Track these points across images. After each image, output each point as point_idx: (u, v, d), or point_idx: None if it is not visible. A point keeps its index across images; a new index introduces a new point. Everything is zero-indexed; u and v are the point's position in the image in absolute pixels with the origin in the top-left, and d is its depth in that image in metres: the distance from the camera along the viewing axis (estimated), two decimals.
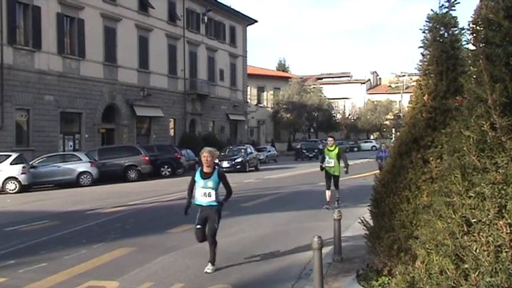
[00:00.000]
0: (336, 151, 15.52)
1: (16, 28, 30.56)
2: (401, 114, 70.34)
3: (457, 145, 4.27)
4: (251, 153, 38.54)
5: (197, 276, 8.17)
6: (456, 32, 6.21)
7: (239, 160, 35.76)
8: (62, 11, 33.36)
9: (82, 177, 27.69)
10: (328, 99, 74.62)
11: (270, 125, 69.90)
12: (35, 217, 15.73)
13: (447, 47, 6.17)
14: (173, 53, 45.13)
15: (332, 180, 15.69)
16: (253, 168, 37.10)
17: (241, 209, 16.21)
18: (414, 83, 7.00)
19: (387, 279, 6.15)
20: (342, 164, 15.91)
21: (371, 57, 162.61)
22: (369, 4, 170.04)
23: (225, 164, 34.58)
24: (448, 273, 4.05)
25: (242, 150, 37.87)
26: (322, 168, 16.01)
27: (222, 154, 37.06)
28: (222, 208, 8.57)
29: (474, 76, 4.28)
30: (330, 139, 16.05)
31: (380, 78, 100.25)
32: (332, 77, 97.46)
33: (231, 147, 40.32)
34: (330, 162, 15.46)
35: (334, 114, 77.31)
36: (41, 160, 27.72)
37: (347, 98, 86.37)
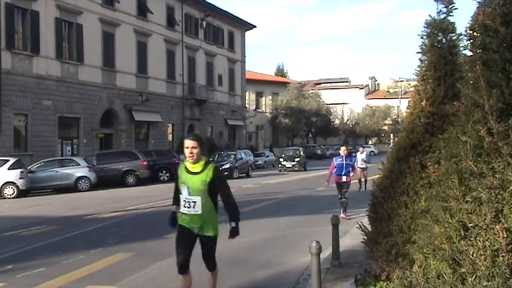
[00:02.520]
0: (208, 174, 6.13)
1: (14, 33, 30.57)
2: (399, 119, 70.44)
3: (454, 150, 4.28)
4: (241, 158, 37.53)
5: (195, 281, 8.16)
6: (454, 37, 6.24)
7: (226, 166, 34.71)
8: (61, 16, 33.39)
9: (80, 182, 27.68)
10: (327, 104, 74.74)
11: (269, 130, 69.90)
12: (33, 222, 15.70)
13: (445, 52, 6.19)
14: (172, 58, 45.18)
15: (203, 249, 6.69)
16: (243, 175, 36.36)
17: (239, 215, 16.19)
18: (412, 89, 7.02)
19: (385, 284, 6.16)
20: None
21: (369, 63, 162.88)
22: (367, 10, 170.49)
23: None
24: (445, 277, 4.07)
25: (232, 156, 37.15)
26: (175, 222, 6.71)
27: (211, 159, 36.75)
28: None
29: (471, 82, 4.30)
30: (190, 142, 6.14)
31: (378, 84, 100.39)
32: (331, 82, 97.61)
33: (221, 152, 39.52)
34: (191, 202, 6.26)
35: (333, 119, 77.37)
36: (39, 165, 27.70)
37: (345, 103, 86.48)
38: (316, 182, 28.03)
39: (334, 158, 15.11)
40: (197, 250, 8.63)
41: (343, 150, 15.14)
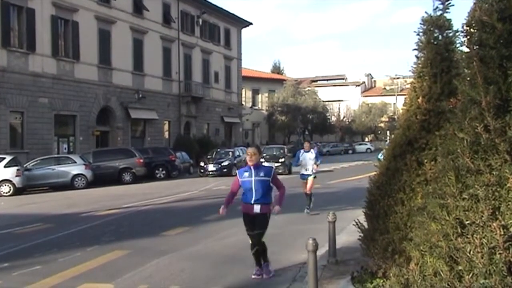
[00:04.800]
0: None
1: (10, 30, 30.46)
2: (395, 117, 70.46)
3: (451, 147, 4.27)
4: (239, 156, 37.20)
5: (192, 279, 8.16)
6: (450, 34, 6.23)
7: (225, 163, 34.68)
8: (57, 14, 33.29)
9: (77, 179, 27.64)
10: (323, 101, 74.77)
11: (265, 127, 69.92)
12: (29, 220, 15.68)
13: (442, 49, 6.18)
14: (168, 56, 45.09)
15: None
16: None
17: (236, 212, 16.16)
18: (409, 86, 7.01)
19: (381, 281, 6.16)
20: None
21: (365, 60, 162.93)
22: (362, 7, 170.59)
23: (211, 167, 34.16)
24: (442, 274, 4.06)
25: (230, 153, 37.03)
26: None
27: (208, 157, 36.72)
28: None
29: (468, 78, 4.29)
30: None
31: (374, 81, 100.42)
32: (327, 80, 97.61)
33: (218, 149, 39.22)
34: None
35: (329, 117, 77.47)
36: (35, 162, 27.64)
37: (341, 101, 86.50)
38: None
39: (238, 172, 8.31)
40: (194, 248, 8.67)
41: (251, 154, 7.94)
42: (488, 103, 3.98)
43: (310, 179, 15.22)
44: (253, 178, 7.83)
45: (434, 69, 6.15)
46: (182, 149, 39.24)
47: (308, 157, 15.22)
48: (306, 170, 15.24)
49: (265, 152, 37.32)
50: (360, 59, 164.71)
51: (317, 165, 15.43)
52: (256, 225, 7.88)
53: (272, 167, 8.08)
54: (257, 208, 7.84)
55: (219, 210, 8.17)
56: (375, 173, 6.90)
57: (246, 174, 7.92)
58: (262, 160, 8.34)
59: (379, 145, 63.23)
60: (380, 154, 26.04)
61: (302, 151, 15.57)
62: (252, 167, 7.90)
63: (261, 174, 7.87)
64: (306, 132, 76.18)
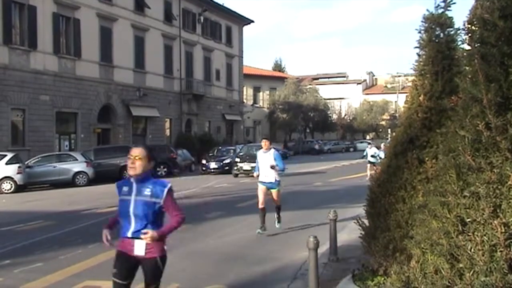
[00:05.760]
0: None
1: (11, 27, 30.46)
2: (397, 115, 70.41)
3: (452, 145, 4.27)
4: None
5: (193, 276, 8.16)
6: (452, 32, 6.22)
7: (227, 161, 34.51)
8: (58, 11, 33.29)
9: (78, 177, 27.66)
10: (324, 99, 74.72)
11: (266, 125, 69.88)
12: (31, 217, 15.69)
13: (443, 47, 6.17)
14: (169, 53, 45.08)
15: None
16: None
17: (237, 210, 16.19)
18: (410, 84, 7.01)
19: (382, 279, 6.16)
20: None
21: (367, 58, 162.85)
22: (363, 5, 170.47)
23: (212, 165, 34.07)
24: (443, 272, 4.06)
25: (231, 151, 36.84)
26: None
27: (210, 154, 36.68)
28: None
29: (469, 76, 4.28)
30: None
31: (376, 79, 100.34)
32: (328, 78, 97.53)
33: (220, 147, 39.10)
34: None
35: (330, 115, 77.46)
36: (36, 160, 27.66)
37: (343, 99, 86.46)
38: (312, 177, 28.08)
39: (116, 185, 5.22)
40: (195, 245, 8.66)
41: (133, 159, 4.79)
42: (490, 101, 3.98)
43: (274, 192, 11.70)
44: (132, 197, 4.85)
45: (435, 67, 6.15)
46: (183, 146, 39.21)
47: (266, 158, 11.53)
48: (265, 176, 11.57)
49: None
50: (362, 57, 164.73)
51: (276, 170, 11.43)
52: (146, 276, 5.24)
53: (168, 183, 4.85)
54: (140, 248, 4.96)
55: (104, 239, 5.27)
56: (375, 171, 6.90)
57: (125, 189, 4.96)
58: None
59: (381, 143, 63.15)
60: (365, 153, 25.97)
61: (260, 151, 11.96)
62: (133, 180, 4.87)
63: (146, 192, 4.77)
64: (307, 130, 76.21)
